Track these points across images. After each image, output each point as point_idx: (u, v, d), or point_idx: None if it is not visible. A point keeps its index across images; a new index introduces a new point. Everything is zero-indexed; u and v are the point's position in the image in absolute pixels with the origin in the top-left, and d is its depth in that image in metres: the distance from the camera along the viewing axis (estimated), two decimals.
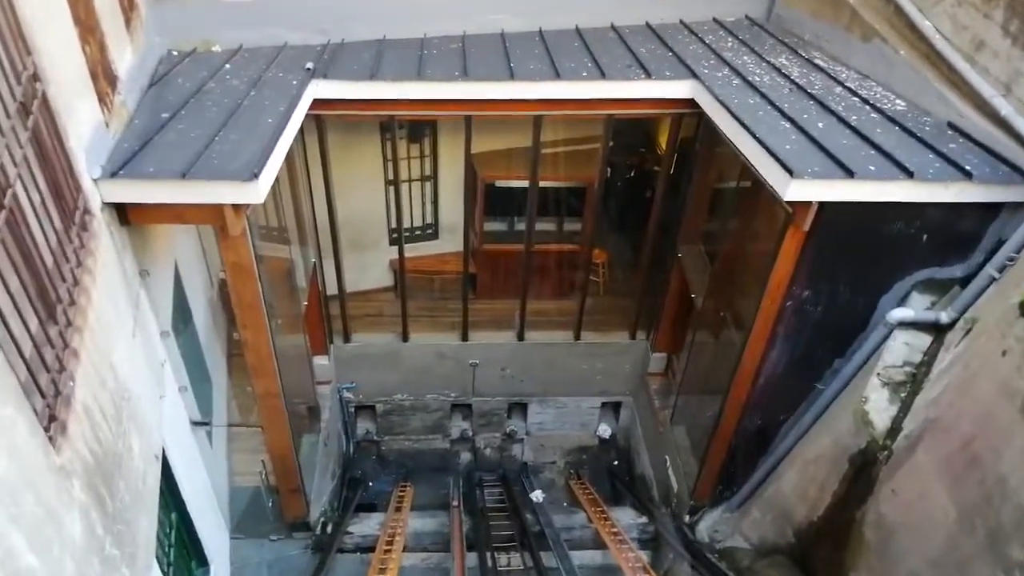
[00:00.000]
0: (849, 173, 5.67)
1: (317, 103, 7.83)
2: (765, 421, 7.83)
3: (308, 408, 9.23)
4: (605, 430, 12.09)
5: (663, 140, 14.60)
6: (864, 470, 5.93)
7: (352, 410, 11.63)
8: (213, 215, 5.60)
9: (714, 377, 8.47)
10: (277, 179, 7.82)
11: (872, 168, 5.80)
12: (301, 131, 8.58)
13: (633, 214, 12.06)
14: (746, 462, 8.23)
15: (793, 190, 5.69)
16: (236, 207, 5.58)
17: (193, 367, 7.92)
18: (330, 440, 10.33)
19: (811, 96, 7.26)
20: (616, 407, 12.07)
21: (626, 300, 11.55)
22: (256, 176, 5.31)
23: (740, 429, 7.92)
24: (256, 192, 5.40)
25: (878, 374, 6.07)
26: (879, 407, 5.94)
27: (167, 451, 6.38)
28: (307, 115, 8.07)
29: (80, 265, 4.69)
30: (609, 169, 11.61)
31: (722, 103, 7.07)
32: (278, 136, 6.07)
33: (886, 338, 6.34)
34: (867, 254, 6.35)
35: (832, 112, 6.85)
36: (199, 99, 6.92)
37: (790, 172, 5.63)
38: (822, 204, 5.90)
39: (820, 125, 6.57)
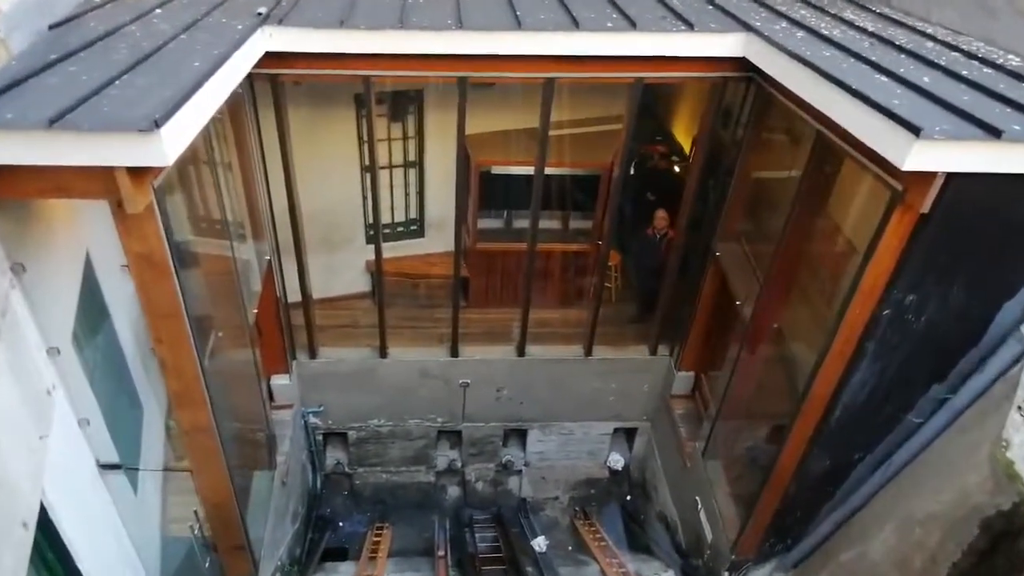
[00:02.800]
0: (993, 132, 4.15)
1: (271, 59, 6.25)
2: (836, 460, 6.29)
3: (260, 439, 7.58)
4: (617, 460, 10.52)
5: (680, 129, 13.20)
6: (1005, 540, 4.40)
7: (320, 438, 9.99)
8: (103, 184, 3.98)
9: (769, 404, 6.97)
10: (215, 155, 6.24)
11: (1017, 128, 4.29)
12: (253, 99, 7.02)
13: (650, 209, 10.53)
14: (807, 510, 6.70)
15: (916, 156, 4.18)
16: (135, 173, 3.97)
17: (108, 391, 6.24)
18: (291, 476, 8.68)
19: (900, 49, 5.78)
20: (630, 434, 10.51)
21: (645, 309, 10.07)
22: (158, 125, 3.70)
23: (803, 469, 6.38)
24: (159, 150, 3.80)
25: (1020, 408, 4.54)
26: None
27: (52, 510, 4.73)
28: (259, 75, 6.53)
29: None
30: None
31: (792, 54, 5.55)
32: (203, 81, 4.47)
33: (1020, 358, 4.82)
34: (990, 246, 4.85)
35: (935, 65, 5.37)
36: (109, 42, 5.30)
37: (915, 131, 4.11)
38: (948, 177, 4.39)
39: (926, 79, 5.07)
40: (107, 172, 3.93)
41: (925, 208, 4.53)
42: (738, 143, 7.53)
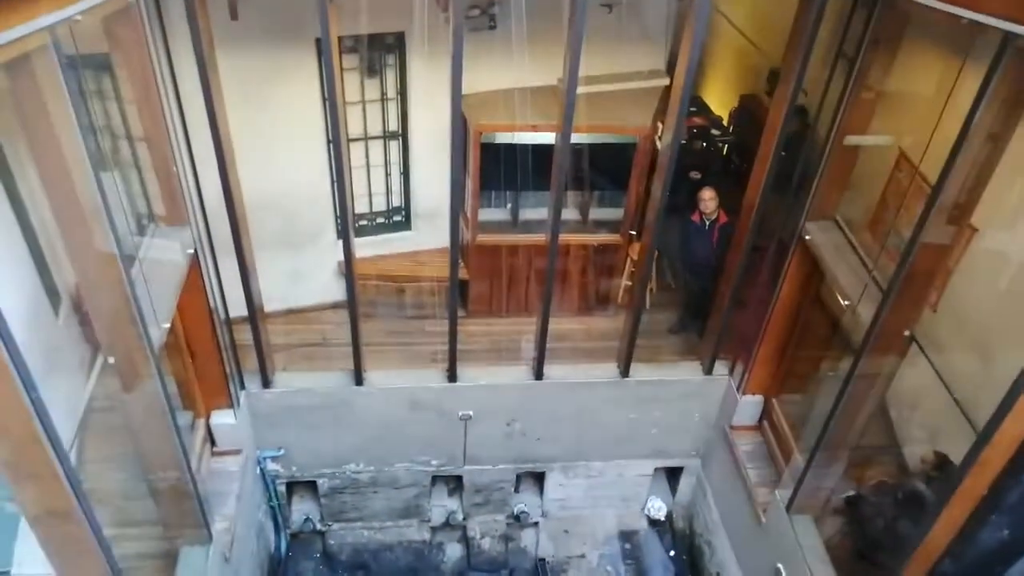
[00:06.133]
0: None
1: None
2: (1016, 528, 4.41)
3: (185, 504, 5.61)
4: (659, 508, 8.62)
5: (712, 98, 11.43)
6: None
7: (282, 488, 8.04)
8: None
9: (898, 442, 5.08)
10: (91, 98, 4.35)
11: None
12: (162, 27, 5.14)
13: (690, 191, 8.68)
14: None
15: None
16: None
17: None
18: (238, 545, 6.73)
19: None
20: (674, 474, 8.62)
21: (691, 316, 8.25)
22: None
23: (966, 539, 4.50)
24: None
25: None
26: None
27: None
28: None
29: None
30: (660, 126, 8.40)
31: None
32: None
33: None
34: None
35: None
36: None
37: None
38: None
39: None
40: None
41: None
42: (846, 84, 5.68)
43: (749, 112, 10.22)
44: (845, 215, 6.00)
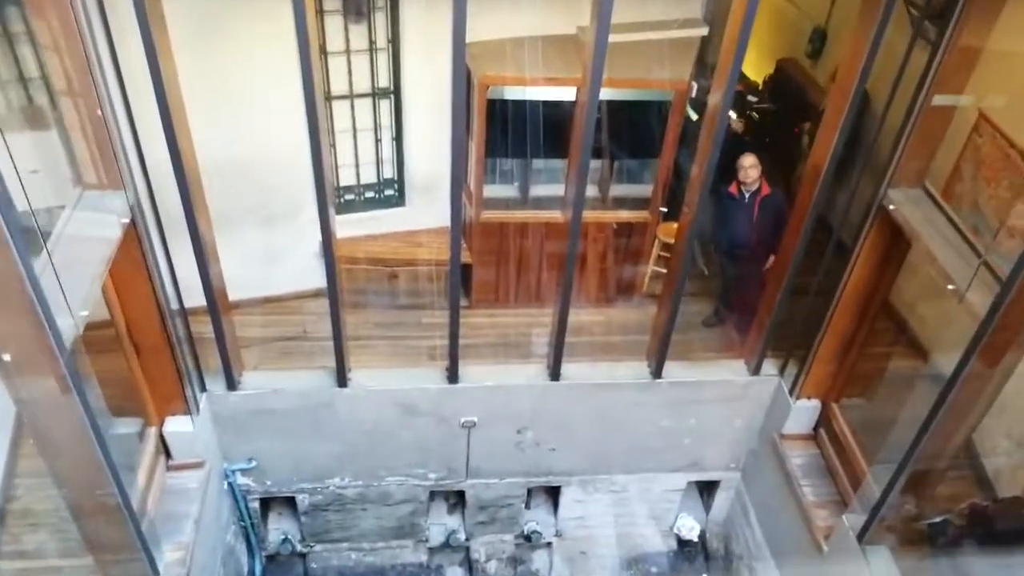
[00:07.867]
0: None
1: None
2: None
3: (121, 534, 4.58)
4: (691, 528, 7.62)
5: (746, 64, 10.42)
6: None
7: (255, 506, 7.02)
8: None
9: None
10: None
11: None
12: None
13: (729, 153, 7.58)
14: None
15: None
16: None
17: None
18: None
19: None
20: (708, 489, 7.60)
21: (730, 306, 7.27)
22: None
23: None
24: None
25: None
26: None
27: None
28: None
29: None
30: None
31: None
32: None
33: None
34: None
35: None
36: None
37: None
38: None
39: None
40: None
41: None
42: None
43: (788, 77, 9.23)
44: (959, 177, 4.97)
